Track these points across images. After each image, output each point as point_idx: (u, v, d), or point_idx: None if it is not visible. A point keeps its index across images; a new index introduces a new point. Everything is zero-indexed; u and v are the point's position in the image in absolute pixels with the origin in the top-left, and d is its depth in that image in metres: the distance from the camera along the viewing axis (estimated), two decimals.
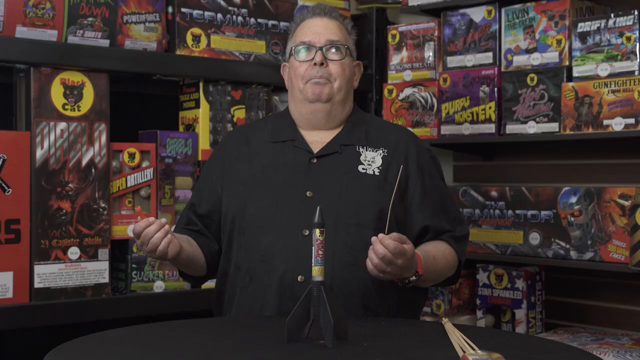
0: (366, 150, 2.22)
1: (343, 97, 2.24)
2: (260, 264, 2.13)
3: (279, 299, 2.10)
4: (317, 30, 2.23)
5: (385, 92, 3.33)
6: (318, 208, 1.74)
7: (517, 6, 2.97)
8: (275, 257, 2.11)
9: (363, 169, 2.19)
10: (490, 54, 3.05)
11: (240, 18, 2.96)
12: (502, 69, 3.01)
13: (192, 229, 2.28)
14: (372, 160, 2.21)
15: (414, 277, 2.05)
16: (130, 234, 2.70)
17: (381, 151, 2.23)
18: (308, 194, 2.14)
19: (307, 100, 2.22)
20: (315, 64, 2.20)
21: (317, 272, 1.74)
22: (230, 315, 2.20)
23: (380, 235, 1.93)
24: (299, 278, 2.08)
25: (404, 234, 2.17)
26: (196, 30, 2.86)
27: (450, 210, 2.28)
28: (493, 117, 3.01)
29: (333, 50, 2.22)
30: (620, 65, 2.70)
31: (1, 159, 2.44)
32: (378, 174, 2.19)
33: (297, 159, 2.21)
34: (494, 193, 3.01)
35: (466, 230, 2.31)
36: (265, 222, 2.15)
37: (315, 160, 2.20)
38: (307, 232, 2.10)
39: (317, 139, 2.24)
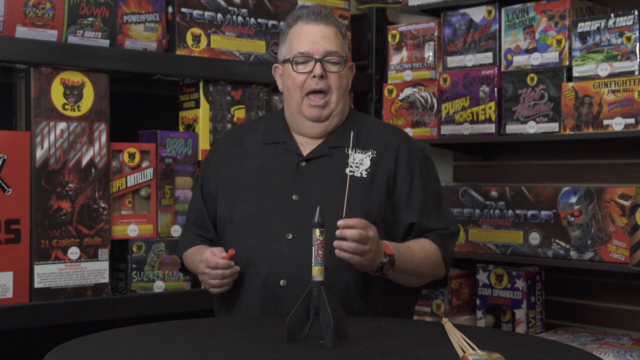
0: (355, 152, 2.22)
1: (341, 108, 2.25)
2: (246, 267, 2.14)
3: (262, 302, 2.11)
4: (315, 39, 2.21)
5: (385, 92, 3.33)
6: (318, 208, 1.75)
7: (517, 6, 2.97)
8: (259, 260, 2.12)
9: (351, 171, 2.18)
10: (490, 54, 3.05)
11: (240, 18, 2.96)
12: (502, 69, 3.01)
13: (205, 236, 2.31)
14: (360, 162, 2.21)
15: (385, 259, 2.04)
16: (131, 234, 2.70)
17: (370, 153, 2.22)
18: (294, 197, 2.15)
19: (305, 118, 2.22)
20: (314, 76, 2.19)
21: (317, 272, 1.74)
22: (221, 314, 2.22)
23: (341, 221, 1.94)
24: (282, 282, 2.09)
25: (392, 235, 2.18)
26: (196, 30, 2.86)
27: (439, 210, 2.26)
28: (493, 117, 3.01)
29: (332, 62, 2.21)
30: (620, 65, 2.70)
31: (1, 159, 2.44)
32: (366, 176, 2.18)
33: (286, 161, 2.21)
34: (494, 193, 3.01)
35: (454, 229, 2.28)
36: (251, 225, 2.16)
37: (304, 164, 2.20)
38: (290, 236, 2.10)
39: (309, 141, 2.25)
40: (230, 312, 2.19)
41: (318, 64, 2.19)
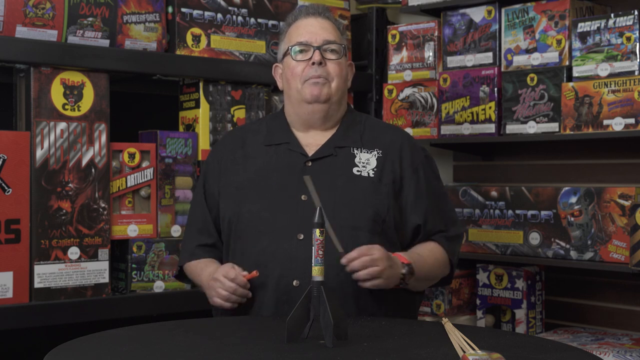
0: (361, 151, 2.22)
1: (340, 97, 2.25)
2: (256, 268, 2.12)
3: (276, 303, 2.10)
4: (313, 30, 2.23)
5: (385, 92, 3.33)
6: (318, 208, 1.74)
7: (517, 6, 2.97)
8: (270, 261, 2.11)
9: (358, 171, 2.19)
10: (490, 54, 3.05)
11: (240, 18, 2.96)
12: (502, 69, 3.01)
13: (208, 242, 2.29)
14: (366, 161, 2.21)
15: (404, 270, 2.07)
16: (131, 234, 2.70)
17: (376, 152, 2.22)
18: (303, 197, 2.13)
19: (305, 101, 2.21)
20: (313, 63, 2.19)
21: (317, 272, 1.74)
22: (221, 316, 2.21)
23: (343, 260, 1.99)
24: (295, 283, 2.08)
25: (399, 235, 2.19)
26: (196, 30, 2.86)
27: (444, 210, 2.27)
28: (493, 117, 3.01)
29: (330, 49, 2.22)
30: (620, 65, 2.70)
31: (1, 159, 2.44)
32: (373, 175, 2.18)
33: (291, 162, 2.20)
34: (494, 193, 3.01)
35: (460, 230, 2.30)
36: (260, 226, 2.15)
37: (309, 164, 2.20)
38: (302, 237, 2.10)
39: (312, 141, 2.24)
40: (239, 313, 2.18)
41: (317, 51, 2.20)
